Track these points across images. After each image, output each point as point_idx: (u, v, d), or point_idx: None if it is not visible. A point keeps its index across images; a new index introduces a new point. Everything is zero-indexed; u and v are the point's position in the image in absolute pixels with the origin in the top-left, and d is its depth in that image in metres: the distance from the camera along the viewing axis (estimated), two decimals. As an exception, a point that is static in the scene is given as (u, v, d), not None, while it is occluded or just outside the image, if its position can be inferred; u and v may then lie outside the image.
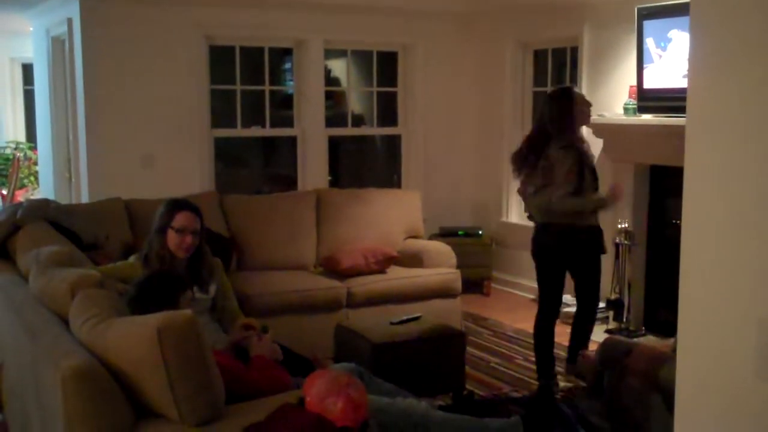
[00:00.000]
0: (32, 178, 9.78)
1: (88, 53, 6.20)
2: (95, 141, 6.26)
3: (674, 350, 3.38)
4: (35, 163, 9.48)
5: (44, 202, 4.92)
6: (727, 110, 1.45)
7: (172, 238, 3.85)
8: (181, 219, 3.85)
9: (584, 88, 6.36)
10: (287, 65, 7.61)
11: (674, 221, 4.99)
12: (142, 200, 5.22)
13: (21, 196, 9.19)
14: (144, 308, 2.89)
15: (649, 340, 5.52)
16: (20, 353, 3.13)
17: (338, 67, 7.89)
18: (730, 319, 1.47)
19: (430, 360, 4.39)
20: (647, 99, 5.54)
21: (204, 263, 3.94)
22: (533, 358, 5.25)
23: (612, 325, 5.91)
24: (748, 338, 1.42)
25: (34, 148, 9.56)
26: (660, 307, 5.82)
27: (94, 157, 6.26)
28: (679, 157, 1.52)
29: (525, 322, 6.16)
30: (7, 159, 9.89)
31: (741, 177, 1.44)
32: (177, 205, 3.94)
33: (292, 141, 7.18)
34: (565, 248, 4.55)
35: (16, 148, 9.92)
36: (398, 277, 5.63)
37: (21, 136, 10.39)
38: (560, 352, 5.37)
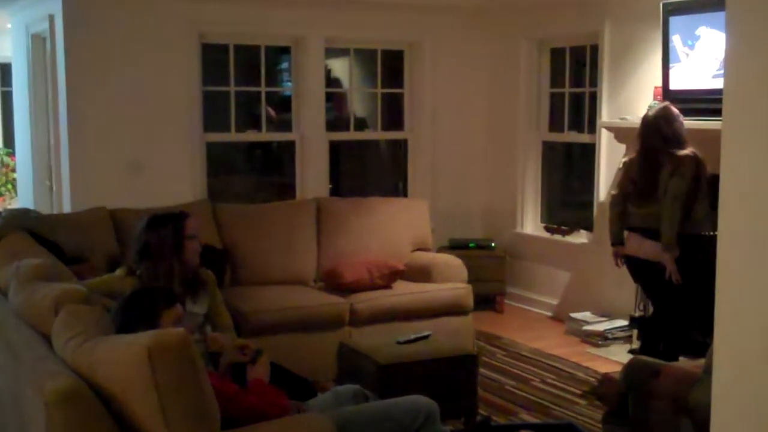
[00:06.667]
0: (10, 186, 9.81)
1: (71, 52, 6.21)
2: (78, 147, 6.24)
3: (705, 371, 3.38)
4: (13, 170, 9.50)
5: (24, 212, 4.94)
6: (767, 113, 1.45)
7: (191, 247, 3.96)
8: (191, 225, 4.00)
9: (605, 89, 6.37)
10: (284, 65, 7.62)
11: (705, 233, 4.95)
12: (129, 209, 5.22)
13: (-2, 206, 9.21)
14: (132, 326, 2.88)
15: (679, 362, 5.50)
16: (-1, 374, 3.13)
17: (339, 67, 7.91)
18: (770, 336, 1.46)
19: (441, 382, 4.38)
20: (674, 101, 5.53)
21: (196, 272, 3.98)
22: (550, 380, 5.25)
23: (637, 344, 5.89)
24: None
25: (12, 154, 9.58)
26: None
27: (77, 164, 6.25)
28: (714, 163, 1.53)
29: (541, 340, 6.16)
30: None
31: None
32: (181, 214, 4.07)
33: (291, 146, 7.18)
34: None
35: (-8, 154, 9.97)
36: (405, 292, 5.63)
37: (-3, 141, 10.44)
38: (579, 373, 5.38)
